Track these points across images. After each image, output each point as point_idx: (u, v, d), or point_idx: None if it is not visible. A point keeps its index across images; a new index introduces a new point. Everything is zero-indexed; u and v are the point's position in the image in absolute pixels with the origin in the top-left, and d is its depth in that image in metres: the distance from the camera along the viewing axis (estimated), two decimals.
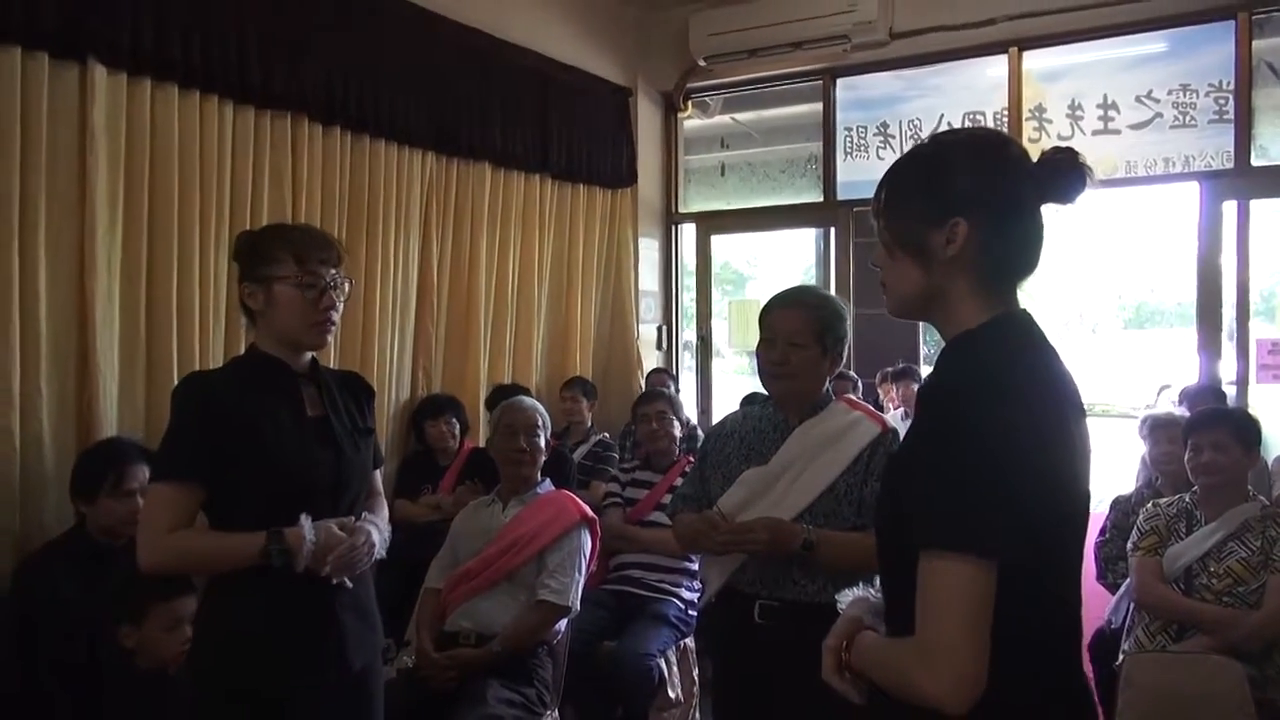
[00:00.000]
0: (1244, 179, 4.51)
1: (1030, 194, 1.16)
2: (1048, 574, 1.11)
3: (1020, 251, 1.19)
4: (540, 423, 2.95)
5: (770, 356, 2.11)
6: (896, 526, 1.14)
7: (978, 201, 1.15)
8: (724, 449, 2.20)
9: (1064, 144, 1.17)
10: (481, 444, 4.19)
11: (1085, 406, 1.21)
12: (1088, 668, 3.14)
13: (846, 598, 1.28)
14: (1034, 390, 1.10)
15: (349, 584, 1.80)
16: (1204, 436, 2.77)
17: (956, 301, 1.18)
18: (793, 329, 2.07)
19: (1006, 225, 1.16)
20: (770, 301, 2.17)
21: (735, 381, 7.15)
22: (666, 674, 3.33)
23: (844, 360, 2.19)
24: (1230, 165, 4.53)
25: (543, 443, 2.97)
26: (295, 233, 1.92)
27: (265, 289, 1.81)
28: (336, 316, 1.87)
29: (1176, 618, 2.69)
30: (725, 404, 6.23)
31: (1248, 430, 2.78)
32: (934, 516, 1.05)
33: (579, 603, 2.87)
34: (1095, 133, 4.84)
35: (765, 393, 2.26)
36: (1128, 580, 2.98)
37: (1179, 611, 2.69)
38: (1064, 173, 1.14)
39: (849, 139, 5.53)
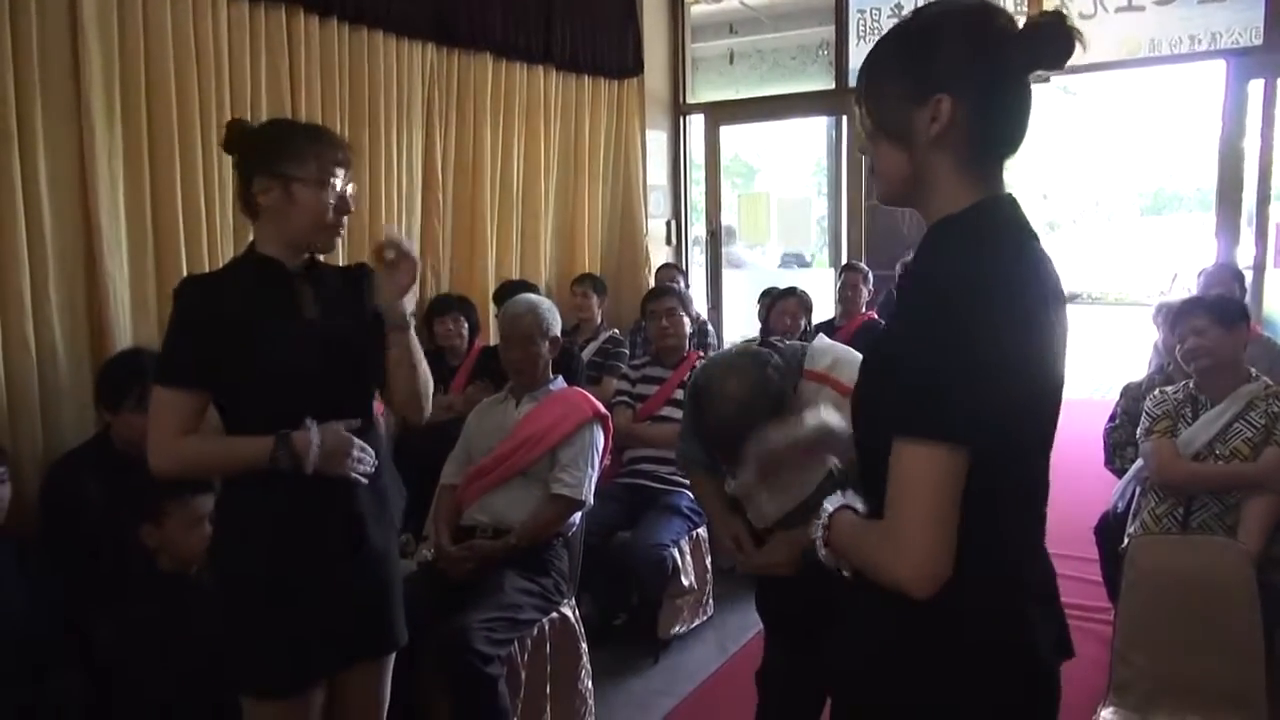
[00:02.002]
0: (1273, 55, 4.35)
1: (1017, 63, 1.11)
2: (1014, 464, 1.12)
3: (1006, 126, 1.14)
4: (539, 329, 2.90)
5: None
6: (874, 411, 1.15)
7: (962, 75, 1.10)
8: None
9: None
10: (492, 342, 4.19)
11: (1066, 294, 1.19)
12: (1093, 550, 3.22)
13: (832, 504, 1.28)
14: (1014, 280, 1.08)
15: (363, 480, 1.82)
16: (1186, 324, 2.81)
17: (941, 184, 1.14)
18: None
19: (992, 99, 1.12)
20: None
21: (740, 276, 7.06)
22: (680, 563, 3.42)
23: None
24: (1259, 41, 4.37)
25: (544, 346, 2.93)
26: (322, 133, 1.85)
27: (283, 186, 1.75)
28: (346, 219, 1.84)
29: (1209, 486, 2.70)
30: (734, 299, 6.21)
31: (1225, 310, 2.78)
32: (909, 405, 1.06)
33: (593, 496, 2.92)
34: (1119, 10, 4.65)
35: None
36: (1135, 464, 3.01)
37: (1213, 479, 2.69)
38: (1051, 37, 1.08)
39: (862, 22, 5.34)
